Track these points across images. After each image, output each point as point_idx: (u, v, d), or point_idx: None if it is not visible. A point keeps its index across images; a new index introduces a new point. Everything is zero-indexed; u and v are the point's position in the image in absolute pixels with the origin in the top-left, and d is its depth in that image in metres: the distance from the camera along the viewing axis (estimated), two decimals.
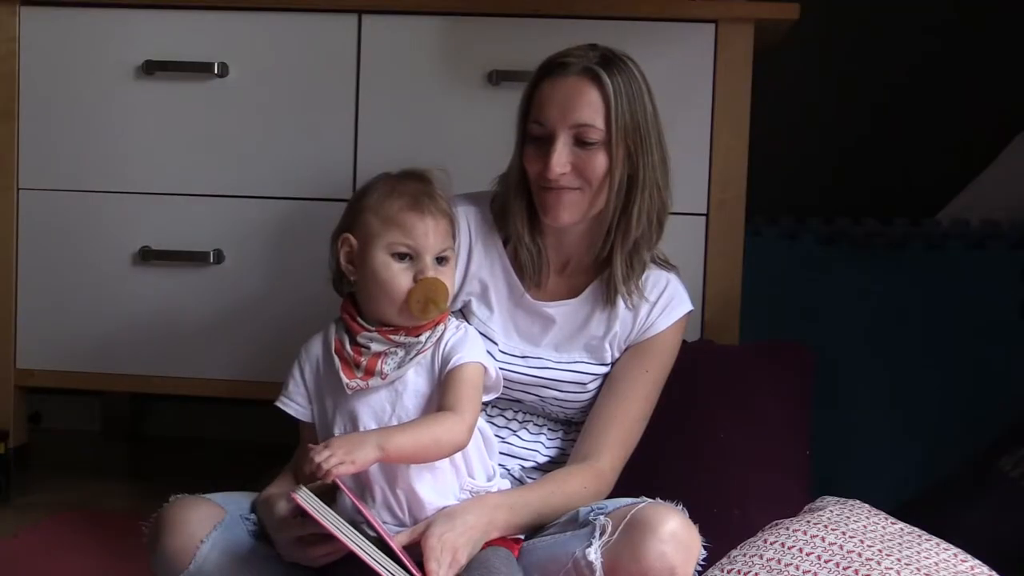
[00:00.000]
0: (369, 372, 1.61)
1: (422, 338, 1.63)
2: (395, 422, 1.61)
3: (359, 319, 1.65)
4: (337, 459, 1.47)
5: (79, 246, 2.34)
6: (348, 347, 1.63)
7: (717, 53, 2.21)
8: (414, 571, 1.47)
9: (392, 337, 1.63)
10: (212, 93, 2.30)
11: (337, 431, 1.63)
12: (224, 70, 2.29)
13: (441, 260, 1.65)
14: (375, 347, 1.62)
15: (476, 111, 2.24)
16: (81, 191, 2.34)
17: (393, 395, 1.62)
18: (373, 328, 1.63)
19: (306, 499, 1.47)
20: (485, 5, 2.24)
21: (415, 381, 1.62)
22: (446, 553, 1.51)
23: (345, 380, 1.61)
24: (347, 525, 1.47)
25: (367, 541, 1.47)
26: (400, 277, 1.61)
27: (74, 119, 2.33)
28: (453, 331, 1.65)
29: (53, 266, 2.35)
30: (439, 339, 1.64)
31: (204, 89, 2.30)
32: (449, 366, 1.61)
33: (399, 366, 1.61)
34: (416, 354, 1.62)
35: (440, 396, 1.61)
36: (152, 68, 2.30)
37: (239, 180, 2.31)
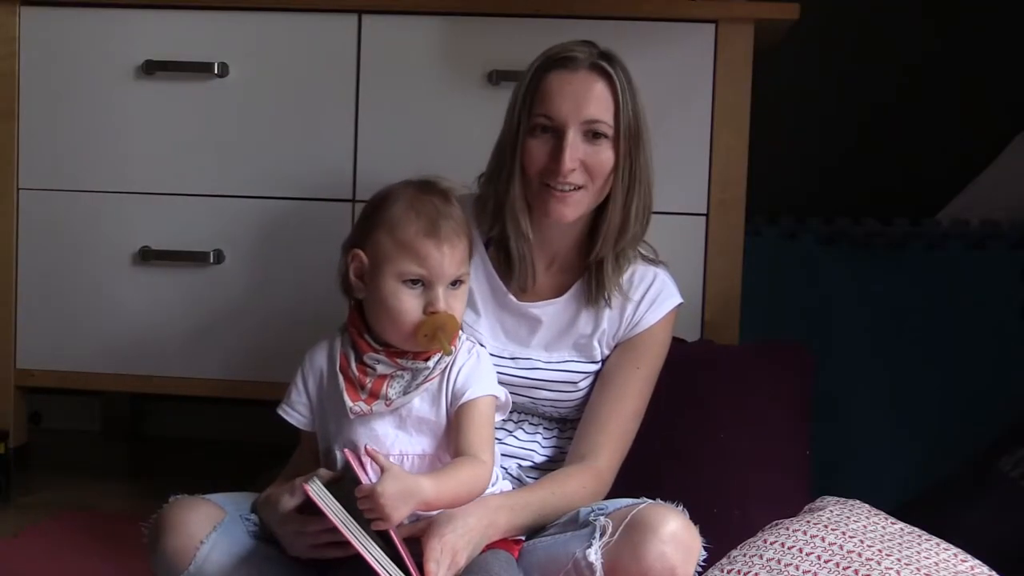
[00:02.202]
0: (374, 395, 1.59)
1: (430, 363, 1.61)
2: (397, 448, 1.60)
3: (366, 336, 1.63)
4: (376, 514, 1.45)
5: (79, 246, 2.34)
6: (353, 365, 1.62)
7: (717, 53, 2.21)
8: (413, 572, 1.47)
9: (399, 360, 1.61)
10: (212, 93, 2.30)
11: (337, 448, 1.62)
12: (224, 70, 2.29)
13: (457, 283, 1.62)
14: (381, 369, 1.61)
15: (476, 111, 2.24)
16: (81, 191, 2.34)
17: (397, 421, 1.61)
18: (380, 349, 1.62)
19: (317, 491, 1.46)
20: (485, 5, 2.24)
21: (420, 408, 1.61)
22: (446, 554, 1.51)
23: (349, 404, 1.59)
24: (353, 523, 1.46)
25: (371, 540, 1.46)
26: (410, 306, 1.58)
27: (74, 119, 2.34)
28: (464, 357, 1.63)
29: (53, 266, 2.35)
30: (449, 367, 1.62)
31: (204, 89, 2.30)
32: (462, 400, 1.60)
33: (405, 392, 1.60)
34: (423, 381, 1.60)
35: (456, 435, 1.59)
36: (152, 68, 2.30)
37: (239, 180, 2.31)
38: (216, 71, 2.28)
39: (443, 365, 1.61)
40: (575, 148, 1.72)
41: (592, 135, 1.73)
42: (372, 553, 1.44)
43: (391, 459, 1.57)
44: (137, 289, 2.33)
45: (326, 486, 1.50)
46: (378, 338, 1.63)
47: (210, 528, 1.57)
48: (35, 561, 2.05)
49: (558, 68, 1.74)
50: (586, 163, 1.73)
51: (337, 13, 2.28)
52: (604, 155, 1.74)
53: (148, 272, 2.33)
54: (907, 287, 2.37)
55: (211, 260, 2.30)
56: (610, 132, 1.73)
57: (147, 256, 2.32)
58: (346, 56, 2.28)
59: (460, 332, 1.66)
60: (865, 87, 2.97)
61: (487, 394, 1.62)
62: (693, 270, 2.20)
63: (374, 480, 1.50)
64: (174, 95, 2.31)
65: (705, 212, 2.23)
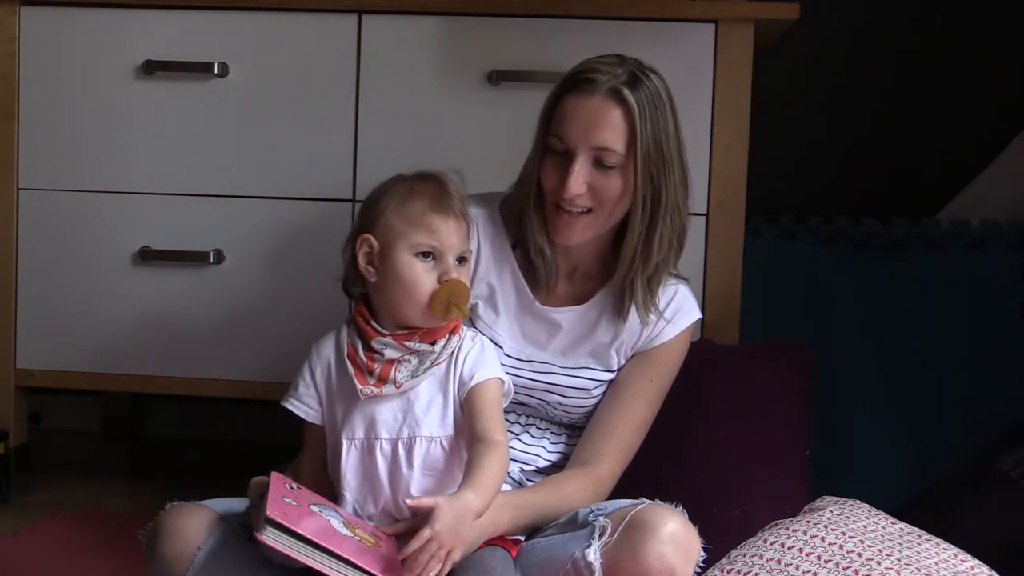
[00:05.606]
0: (382, 379, 1.61)
1: (436, 347, 1.63)
2: (406, 432, 1.61)
3: (373, 323, 1.64)
4: (439, 560, 1.46)
5: (79, 246, 2.34)
6: (361, 352, 1.63)
7: (717, 53, 2.21)
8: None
9: (407, 343, 1.62)
10: (212, 93, 2.30)
11: (345, 437, 1.62)
12: (224, 70, 2.29)
13: (461, 260, 1.65)
14: (389, 353, 1.62)
15: (476, 111, 2.24)
16: (81, 191, 2.34)
17: (405, 404, 1.62)
18: (387, 333, 1.63)
19: (273, 537, 1.43)
20: (485, 5, 2.24)
21: (427, 392, 1.62)
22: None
23: (359, 386, 1.60)
24: (317, 549, 1.44)
25: (341, 562, 1.44)
26: (424, 278, 1.61)
27: (74, 119, 2.33)
28: (469, 344, 1.66)
29: (53, 266, 2.35)
30: (455, 352, 1.64)
31: (204, 89, 2.30)
32: (471, 384, 1.62)
33: (412, 376, 1.61)
34: (430, 365, 1.62)
35: (470, 418, 1.61)
36: (152, 68, 2.30)
37: (239, 180, 2.31)
38: (216, 71, 2.28)
39: (449, 350, 1.63)
40: (581, 174, 1.71)
41: (602, 162, 1.71)
42: (344, 573, 1.44)
43: (399, 445, 1.60)
44: (137, 289, 2.33)
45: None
46: (385, 322, 1.65)
47: (207, 534, 1.57)
48: (35, 561, 2.05)
49: (577, 90, 1.72)
50: (593, 188, 1.72)
51: (337, 13, 2.28)
52: (613, 183, 1.72)
53: (148, 272, 2.33)
54: (907, 287, 2.37)
55: (211, 260, 2.30)
56: (620, 160, 1.71)
57: (147, 256, 2.32)
58: (346, 56, 2.28)
59: (463, 326, 1.68)
60: (865, 87, 2.97)
61: (493, 377, 1.64)
62: (693, 270, 2.19)
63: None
64: (174, 95, 2.31)
65: (705, 212, 2.23)
